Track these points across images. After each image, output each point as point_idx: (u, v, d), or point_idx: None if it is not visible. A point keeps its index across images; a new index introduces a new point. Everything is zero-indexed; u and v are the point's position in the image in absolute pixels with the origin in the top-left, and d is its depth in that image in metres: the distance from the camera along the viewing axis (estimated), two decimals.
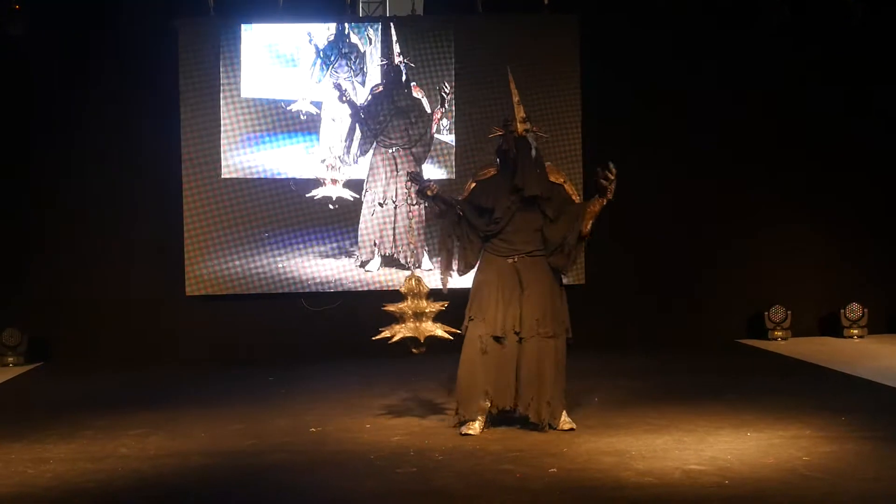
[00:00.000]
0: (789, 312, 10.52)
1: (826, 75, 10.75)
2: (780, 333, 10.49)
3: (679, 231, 10.67)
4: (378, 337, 6.85)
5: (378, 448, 6.24)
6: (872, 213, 10.87)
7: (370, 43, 10.31)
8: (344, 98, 10.10)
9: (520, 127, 6.57)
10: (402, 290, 6.78)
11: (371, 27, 10.29)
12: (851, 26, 10.31)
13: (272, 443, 6.48)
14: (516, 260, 6.62)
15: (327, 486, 5.48)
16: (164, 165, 10.27)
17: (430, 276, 10.16)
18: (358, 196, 10.19)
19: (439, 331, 6.75)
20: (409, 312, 6.72)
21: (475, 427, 6.52)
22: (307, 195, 10.18)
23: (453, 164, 10.36)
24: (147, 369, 9.72)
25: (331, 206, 10.19)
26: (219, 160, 10.20)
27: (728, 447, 5.99)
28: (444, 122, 10.38)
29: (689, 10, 10.55)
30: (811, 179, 10.80)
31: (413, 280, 6.76)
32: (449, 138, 10.38)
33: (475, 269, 6.77)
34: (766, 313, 10.53)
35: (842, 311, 10.58)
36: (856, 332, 10.53)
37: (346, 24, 10.28)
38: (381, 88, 10.27)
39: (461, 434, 6.48)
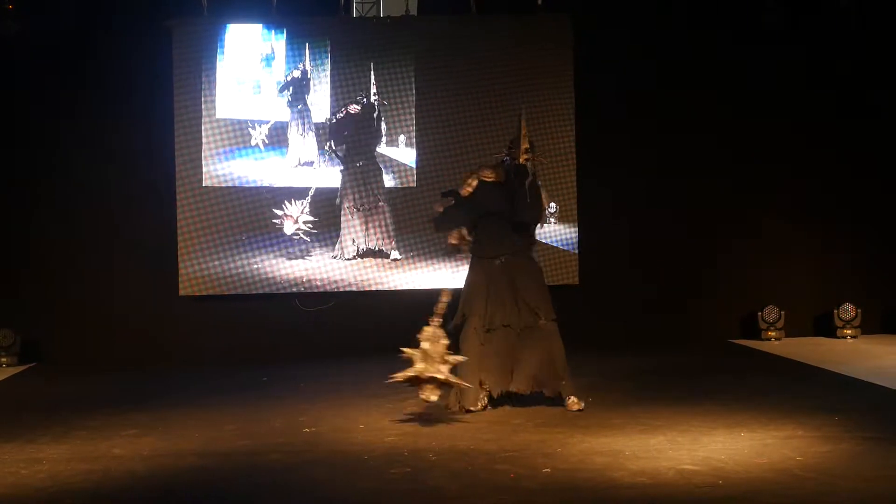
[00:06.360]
0: (783, 313, 10.54)
1: (821, 77, 10.77)
2: (773, 334, 10.50)
3: (673, 232, 10.68)
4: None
5: (372, 448, 6.24)
6: (866, 213, 10.89)
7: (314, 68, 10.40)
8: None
9: (521, 157, 7.30)
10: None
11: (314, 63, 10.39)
12: (848, 28, 10.38)
13: (266, 443, 6.47)
14: (503, 261, 7.29)
15: (321, 487, 5.48)
16: (157, 166, 10.27)
17: (400, 265, 10.38)
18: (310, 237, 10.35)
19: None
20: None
21: (477, 406, 7.14)
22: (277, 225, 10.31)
23: (415, 174, 10.49)
24: (140, 369, 9.72)
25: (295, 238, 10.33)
26: (213, 161, 10.21)
27: (722, 447, 5.99)
28: (402, 136, 10.45)
29: (684, 10, 10.57)
30: (805, 180, 10.81)
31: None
32: (408, 152, 10.48)
33: (468, 270, 7.49)
34: (760, 313, 10.55)
35: (835, 311, 10.60)
36: (849, 332, 10.55)
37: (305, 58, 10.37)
38: (348, 113, 10.42)
39: (466, 411, 7.06)
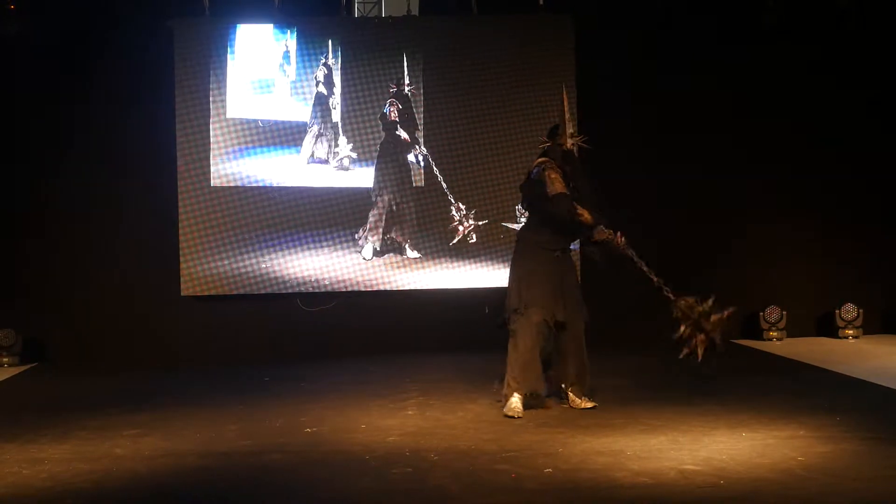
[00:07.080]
0: (784, 313, 10.54)
1: (821, 77, 10.77)
2: (775, 334, 10.50)
3: (674, 231, 10.68)
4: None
5: (373, 448, 6.24)
6: (867, 213, 10.89)
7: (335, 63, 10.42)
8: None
9: (569, 142, 7.17)
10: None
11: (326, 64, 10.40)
12: (849, 28, 10.38)
13: (267, 443, 6.48)
14: (559, 254, 7.24)
15: (322, 487, 5.48)
16: (159, 166, 10.26)
17: (402, 265, 10.39)
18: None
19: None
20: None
21: (518, 408, 6.98)
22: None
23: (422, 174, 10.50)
24: (142, 369, 9.71)
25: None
26: (222, 160, 10.20)
27: (723, 447, 5.99)
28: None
29: (685, 9, 10.56)
30: (806, 180, 10.81)
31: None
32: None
33: (519, 258, 7.27)
34: (762, 314, 10.55)
35: (837, 311, 10.60)
36: (851, 332, 10.55)
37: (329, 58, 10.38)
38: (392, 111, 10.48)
39: (505, 416, 6.93)
